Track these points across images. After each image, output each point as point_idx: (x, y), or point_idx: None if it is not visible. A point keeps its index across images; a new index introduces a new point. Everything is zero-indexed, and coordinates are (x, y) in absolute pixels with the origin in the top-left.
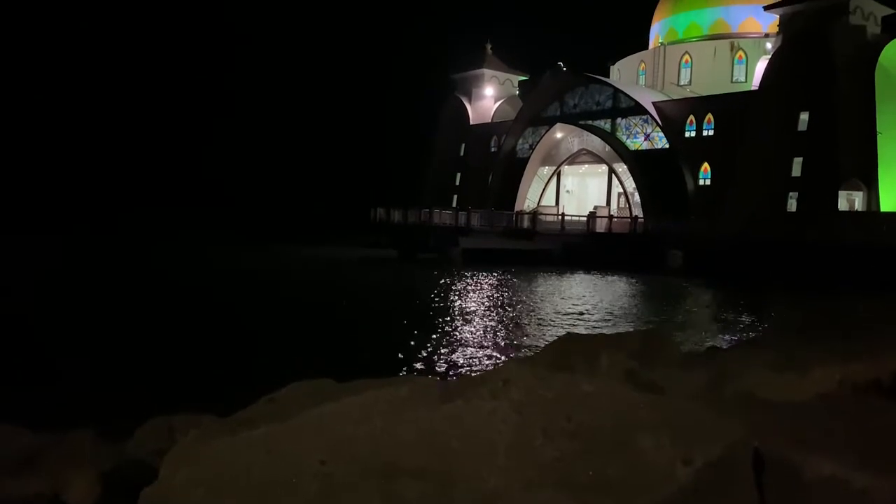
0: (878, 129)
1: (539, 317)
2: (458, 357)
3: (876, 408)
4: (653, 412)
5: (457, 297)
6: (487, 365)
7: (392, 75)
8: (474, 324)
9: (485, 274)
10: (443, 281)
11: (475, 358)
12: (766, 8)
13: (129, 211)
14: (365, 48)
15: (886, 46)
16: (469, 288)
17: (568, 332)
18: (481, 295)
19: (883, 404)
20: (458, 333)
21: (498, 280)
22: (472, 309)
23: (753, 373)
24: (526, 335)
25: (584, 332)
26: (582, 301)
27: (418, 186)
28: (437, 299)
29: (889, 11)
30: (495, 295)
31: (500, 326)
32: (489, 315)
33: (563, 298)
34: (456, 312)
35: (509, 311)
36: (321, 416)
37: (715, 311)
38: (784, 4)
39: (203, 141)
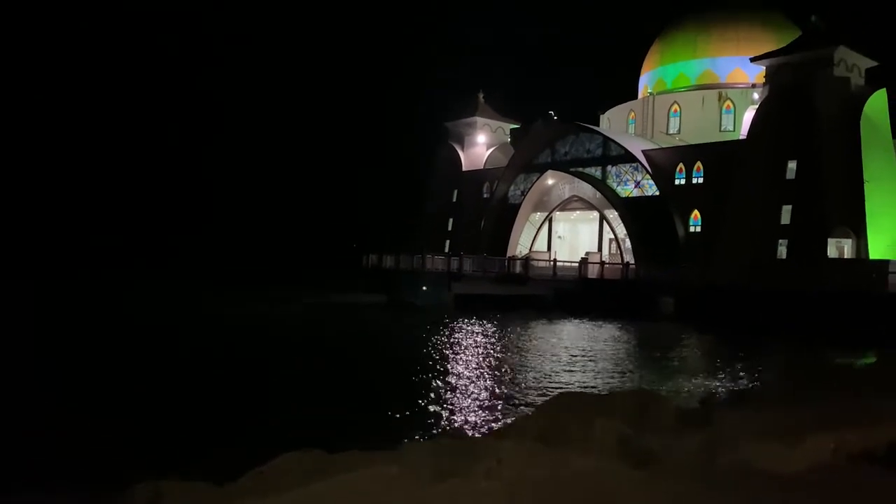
0: (865, 177)
1: (532, 367)
2: (451, 414)
3: (871, 479)
4: (643, 494)
5: (448, 347)
6: (480, 424)
7: (385, 122)
8: (466, 376)
9: (477, 321)
10: (434, 328)
11: (468, 415)
12: (753, 60)
13: (129, 262)
14: (358, 94)
15: (871, 97)
16: (461, 336)
17: (560, 392)
18: (473, 344)
19: (878, 475)
20: (450, 387)
21: (490, 327)
22: (463, 359)
23: (747, 441)
24: (519, 389)
25: (577, 384)
26: (575, 350)
27: (411, 232)
28: (428, 349)
29: (872, 64)
30: (487, 344)
31: (492, 379)
32: (481, 367)
33: (555, 347)
34: (447, 364)
35: (502, 362)
36: (311, 495)
37: (707, 361)
38: (770, 56)
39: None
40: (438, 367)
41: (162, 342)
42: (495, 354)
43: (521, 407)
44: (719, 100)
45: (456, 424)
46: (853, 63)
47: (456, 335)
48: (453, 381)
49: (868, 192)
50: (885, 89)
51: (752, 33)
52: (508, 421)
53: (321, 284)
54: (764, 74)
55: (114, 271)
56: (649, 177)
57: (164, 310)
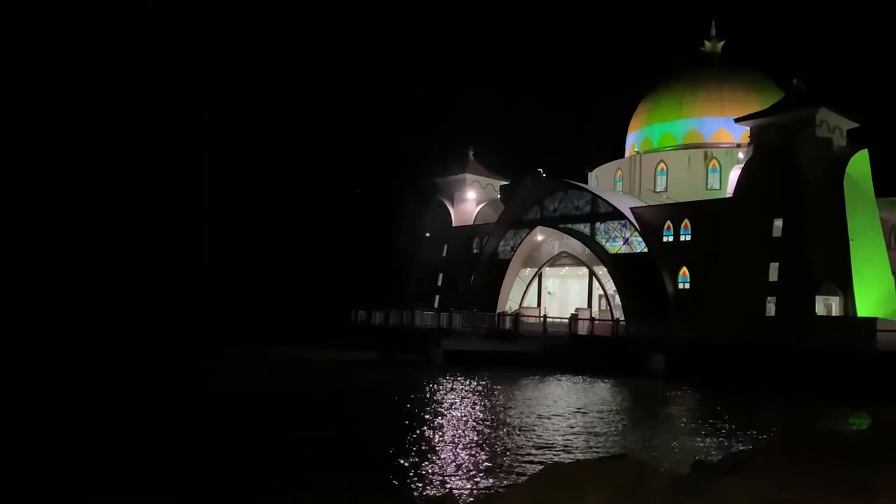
0: (850, 235)
1: (521, 429)
2: (434, 483)
3: None
4: None
5: (436, 407)
6: (466, 495)
7: (375, 178)
8: (452, 440)
9: (466, 378)
10: (423, 386)
11: (454, 484)
12: (737, 120)
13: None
14: (347, 149)
15: (853, 157)
16: (449, 395)
17: (549, 464)
18: (461, 404)
19: None
20: (435, 452)
21: (479, 386)
22: (450, 421)
23: None
24: (507, 453)
25: (567, 447)
26: (565, 410)
27: (400, 287)
28: (415, 409)
29: (853, 125)
30: (476, 404)
31: (480, 443)
32: (469, 429)
33: (545, 407)
34: (434, 426)
35: (490, 424)
36: None
37: (699, 422)
38: (754, 117)
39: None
40: (424, 429)
41: (179, 405)
42: (484, 416)
43: (510, 475)
44: (705, 159)
45: (439, 495)
46: (835, 124)
47: (444, 394)
48: (439, 446)
49: (853, 250)
50: (866, 150)
51: (737, 94)
52: (496, 492)
53: (310, 341)
54: (748, 134)
55: (116, 326)
56: (637, 234)
57: (174, 371)
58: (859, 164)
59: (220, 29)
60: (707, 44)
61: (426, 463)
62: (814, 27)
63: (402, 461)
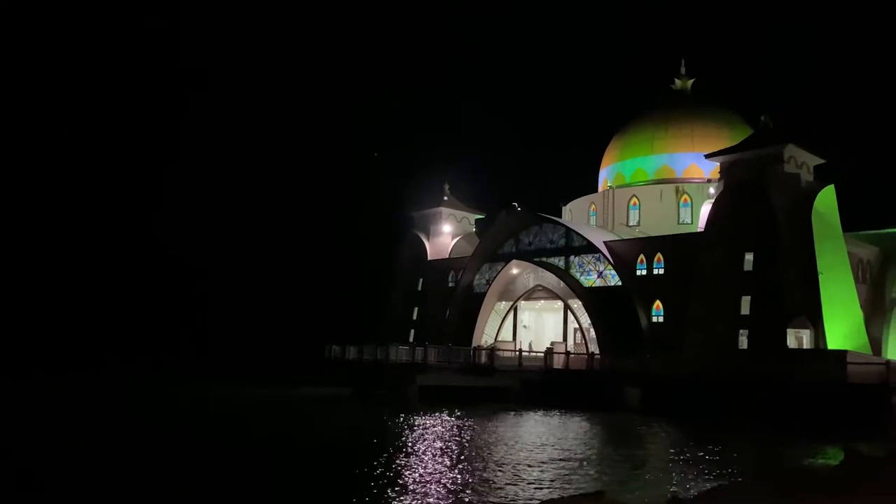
0: (819, 269)
1: (497, 467)
2: None
3: None
4: None
5: (411, 445)
6: None
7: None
8: (428, 480)
9: (441, 414)
10: (396, 423)
11: None
12: (708, 156)
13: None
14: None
15: (820, 193)
16: (424, 433)
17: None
18: (437, 441)
19: None
20: (409, 492)
21: (454, 423)
22: (426, 460)
23: None
24: (483, 494)
25: (543, 485)
26: (540, 446)
27: (375, 322)
28: (387, 447)
29: (820, 161)
30: (451, 441)
31: (455, 483)
32: (445, 468)
33: (520, 443)
34: (408, 465)
35: (466, 463)
36: None
37: (674, 457)
38: (723, 153)
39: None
40: (397, 468)
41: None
42: (459, 453)
43: None
44: (677, 194)
45: None
46: (802, 161)
47: (418, 431)
48: (412, 485)
49: (823, 284)
50: (833, 185)
51: (707, 131)
52: None
53: (285, 378)
54: (719, 170)
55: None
56: (611, 267)
57: (164, 408)
58: (826, 200)
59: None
60: (677, 81)
61: (399, 502)
62: (781, 65)
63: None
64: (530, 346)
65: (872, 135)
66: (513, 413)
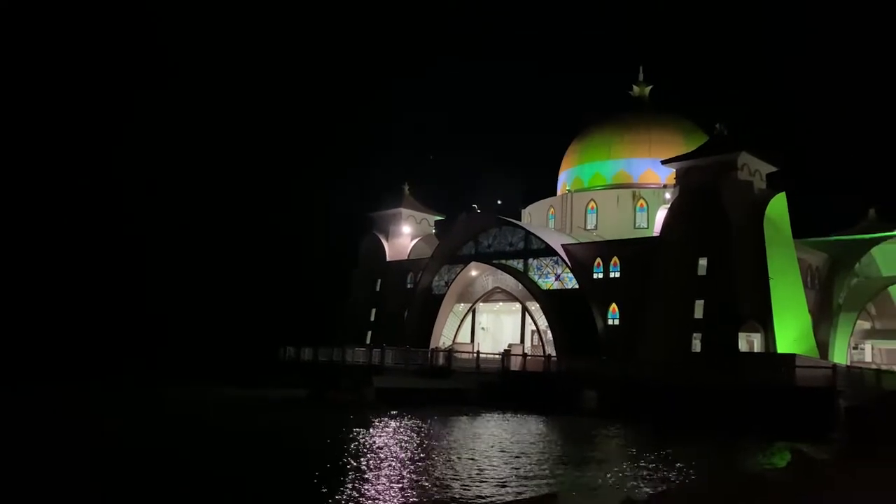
0: (770, 274)
1: (451, 470)
2: None
3: None
4: None
5: (363, 449)
6: None
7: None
8: (382, 483)
9: (398, 417)
10: (352, 426)
11: None
12: (664, 162)
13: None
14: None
15: (772, 200)
16: (380, 435)
17: None
18: (393, 443)
19: None
20: (363, 495)
21: (410, 425)
22: (381, 463)
23: None
24: (436, 497)
25: (498, 488)
26: (496, 448)
27: (332, 323)
28: (341, 450)
29: (772, 169)
30: (407, 443)
31: (409, 486)
32: (399, 471)
33: (477, 445)
34: (363, 468)
35: (421, 466)
36: None
37: (629, 459)
38: (679, 160)
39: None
40: (348, 470)
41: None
42: (414, 456)
43: None
44: (633, 199)
45: None
46: (755, 168)
47: (373, 433)
48: (366, 488)
49: (773, 289)
50: (784, 193)
51: (663, 137)
52: None
53: (238, 380)
54: (674, 176)
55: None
56: (569, 270)
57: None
58: (778, 207)
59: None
60: (636, 88)
61: None
62: (737, 74)
63: None
64: (486, 348)
65: (822, 144)
66: (469, 415)
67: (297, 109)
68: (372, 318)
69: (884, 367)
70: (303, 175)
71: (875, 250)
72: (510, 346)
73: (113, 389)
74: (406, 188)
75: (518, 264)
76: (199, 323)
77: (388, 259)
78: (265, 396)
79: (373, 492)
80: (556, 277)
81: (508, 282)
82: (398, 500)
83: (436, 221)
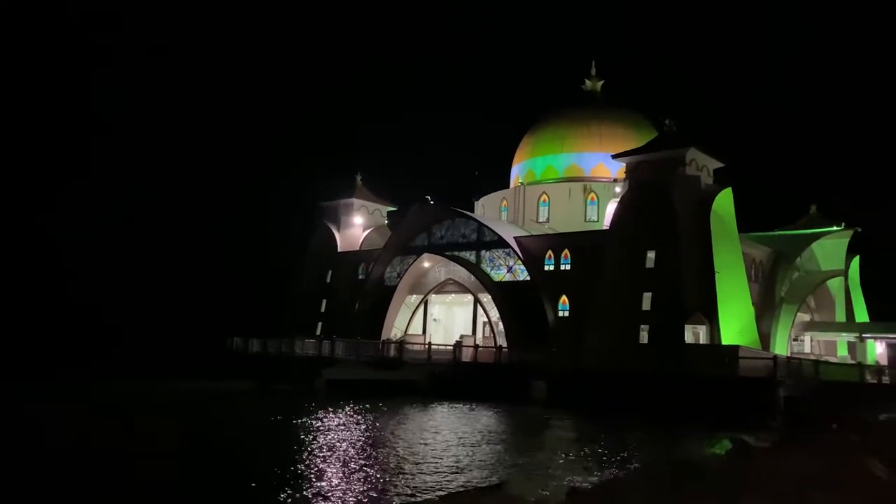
0: (716, 268)
1: (399, 462)
2: None
3: None
4: None
5: (312, 440)
6: None
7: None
8: (326, 475)
9: (348, 408)
10: (300, 418)
11: None
12: (614, 157)
13: None
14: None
15: (718, 195)
16: (327, 427)
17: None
18: (340, 435)
19: None
20: (306, 488)
21: (360, 417)
22: (326, 455)
23: None
24: (381, 490)
25: (446, 479)
26: (446, 440)
27: (281, 314)
28: (288, 444)
29: (719, 164)
30: (354, 435)
31: (353, 479)
32: (344, 463)
33: (426, 437)
34: (308, 460)
35: (367, 458)
36: None
37: (576, 450)
38: (629, 154)
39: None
40: (295, 463)
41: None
42: (361, 448)
43: None
44: (584, 192)
45: None
46: (703, 164)
47: (322, 425)
48: (310, 481)
49: (719, 282)
50: (730, 188)
51: (614, 132)
52: None
53: (183, 372)
54: (624, 170)
55: None
56: (521, 262)
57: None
58: (724, 202)
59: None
60: (588, 82)
61: (295, 500)
62: (687, 71)
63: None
64: (439, 339)
65: (766, 142)
66: (420, 406)
67: (247, 100)
68: (322, 310)
69: (822, 358)
70: (253, 165)
71: (815, 245)
72: (462, 337)
73: (63, 387)
74: (359, 178)
75: (471, 256)
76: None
77: (339, 250)
78: (213, 389)
79: (319, 485)
80: (509, 269)
81: (461, 273)
82: (344, 492)
83: (388, 212)
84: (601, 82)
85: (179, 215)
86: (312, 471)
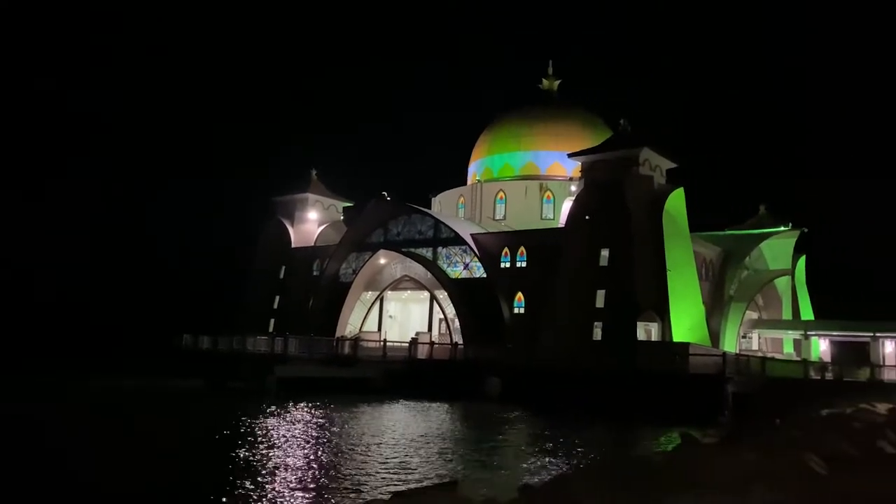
0: (668, 266)
1: (352, 460)
2: None
3: None
4: None
5: (263, 439)
6: None
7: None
8: (275, 474)
9: (300, 406)
10: (249, 417)
11: None
12: (570, 156)
13: None
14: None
15: (671, 195)
16: (278, 426)
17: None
18: (291, 434)
19: None
20: (256, 489)
21: (312, 414)
22: (276, 454)
23: None
24: (332, 489)
25: (398, 477)
26: (400, 438)
27: (233, 311)
28: (233, 444)
29: (672, 165)
30: (306, 434)
31: (303, 478)
32: (293, 462)
33: (380, 435)
34: (258, 460)
35: (318, 457)
36: None
37: (530, 446)
38: (584, 154)
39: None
40: (243, 462)
41: None
42: (313, 446)
43: None
44: (541, 190)
45: None
46: (656, 164)
47: (272, 424)
48: (259, 481)
49: (670, 280)
50: (682, 188)
51: (570, 131)
52: None
53: (131, 368)
54: (580, 169)
55: None
56: (477, 259)
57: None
58: (676, 201)
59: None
60: (545, 81)
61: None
62: (641, 73)
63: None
64: (394, 336)
65: (718, 144)
66: (375, 403)
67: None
68: (275, 306)
69: (769, 355)
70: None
71: (764, 245)
72: (418, 334)
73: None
74: (313, 173)
75: (427, 253)
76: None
77: (293, 245)
78: (160, 387)
79: (264, 486)
80: (465, 266)
81: (417, 270)
82: (292, 492)
83: (344, 208)
84: (558, 82)
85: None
86: (257, 472)
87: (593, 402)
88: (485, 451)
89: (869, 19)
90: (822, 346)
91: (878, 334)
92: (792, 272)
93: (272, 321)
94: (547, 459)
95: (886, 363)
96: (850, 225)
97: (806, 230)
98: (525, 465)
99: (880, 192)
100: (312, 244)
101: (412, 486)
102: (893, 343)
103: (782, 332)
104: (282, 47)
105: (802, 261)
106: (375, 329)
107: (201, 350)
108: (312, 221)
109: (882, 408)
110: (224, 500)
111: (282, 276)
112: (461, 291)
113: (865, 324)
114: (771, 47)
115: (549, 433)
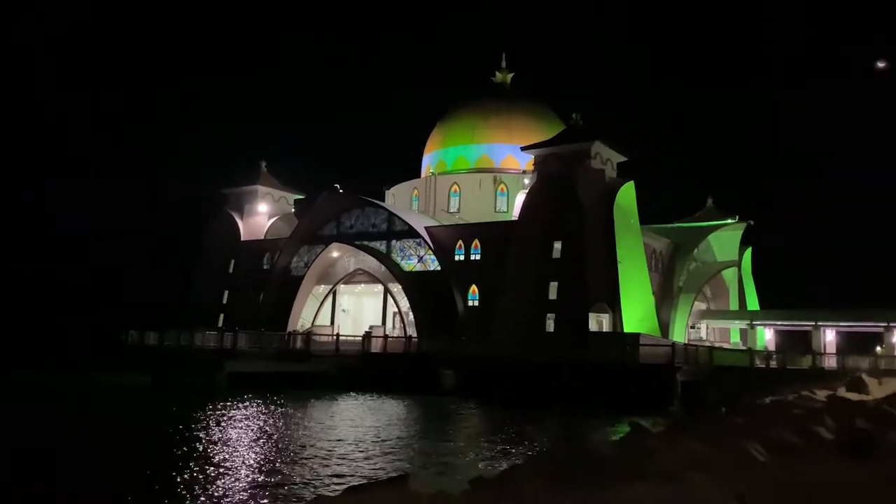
0: (619, 258)
1: (303, 456)
2: None
3: None
4: None
5: (209, 437)
6: None
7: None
8: (224, 472)
9: (250, 402)
10: (198, 413)
11: None
12: (523, 149)
13: None
14: (122, 152)
15: (622, 188)
16: (228, 422)
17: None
18: (240, 430)
19: None
20: (205, 486)
21: (262, 410)
22: (224, 451)
23: None
24: (282, 486)
25: (350, 472)
26: (353, 432)
27: (180, 306)
28: (185, 439)
29: (622, 159)
30: (256, 430)
31: (252, 475)
32: (243, 459)
33: (332, 430)
34: (206, 457)
35: (267, 453)
36: None
37: (483, 438)
38: (537, 147)
39: None
40: (191, 460)
41: None
42: (263, 442)
43: None
44: (494, 183)
45: None
46: (607, 157)
47: (221, 420)
48: (206, 479)
49: (621, 272)
50: (632, 182)
51: (524, 124)
52: None
53: (73, 364)
54: (533, 162)
55: None
56: (431, 252)
57: None
58: (627, 194)
59: None
60: (498, 74)
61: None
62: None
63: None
64: (348, 330)
65: (666, 137)
66: (327, 398)
67: (145, 80)
68: (224, 301)
69: (716, 345)
70: (151, 148)
71: (712, 237)
72: (371, 327)
73: None
74: (263, 165)
75: (381, 246)
76: (38, 311)
77: (242, 238)
78: (102, 383)
79: (209, 485)
80: (419, 259)
81: (371, 263)
82: (242, 490)
83: (295, 200)
84: (511, 75)
85: (75, 201)
86: (203, 470)
87: (547, 394)
88: (438, 444)
89: (808, 14)
90: (767, 336)
91: (819, 323)
92: (738, 264)
93: (221, 316)
94: (499, 452)
95: (827, 351)
96: (794, 218)
97: (752, 223)
98: (478, 458)
99: (824, 186)
100: (263, 237)
101: (363, 481)
102: (833, 332)
103: (729, 322)
104: (231, 32)
105: (749, 253)
106: (328, 323)
107: (148, 346)
108: (262, 214)
109: (821, 394)
110: (166, 501)
111: (231, 269)
112: (415, 284)
113: (808, 313)
114: (722, 39)
115: (502, 425)
